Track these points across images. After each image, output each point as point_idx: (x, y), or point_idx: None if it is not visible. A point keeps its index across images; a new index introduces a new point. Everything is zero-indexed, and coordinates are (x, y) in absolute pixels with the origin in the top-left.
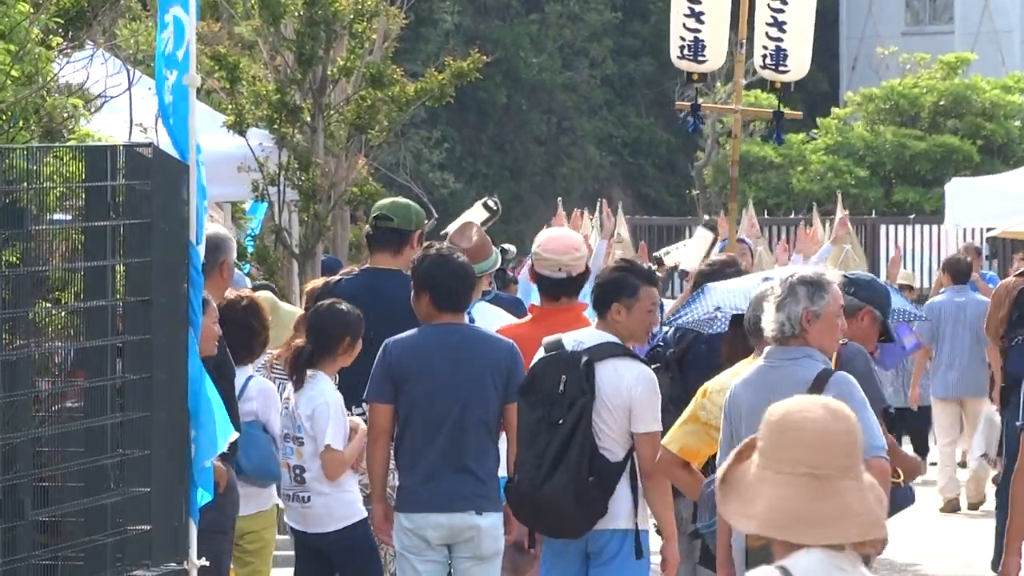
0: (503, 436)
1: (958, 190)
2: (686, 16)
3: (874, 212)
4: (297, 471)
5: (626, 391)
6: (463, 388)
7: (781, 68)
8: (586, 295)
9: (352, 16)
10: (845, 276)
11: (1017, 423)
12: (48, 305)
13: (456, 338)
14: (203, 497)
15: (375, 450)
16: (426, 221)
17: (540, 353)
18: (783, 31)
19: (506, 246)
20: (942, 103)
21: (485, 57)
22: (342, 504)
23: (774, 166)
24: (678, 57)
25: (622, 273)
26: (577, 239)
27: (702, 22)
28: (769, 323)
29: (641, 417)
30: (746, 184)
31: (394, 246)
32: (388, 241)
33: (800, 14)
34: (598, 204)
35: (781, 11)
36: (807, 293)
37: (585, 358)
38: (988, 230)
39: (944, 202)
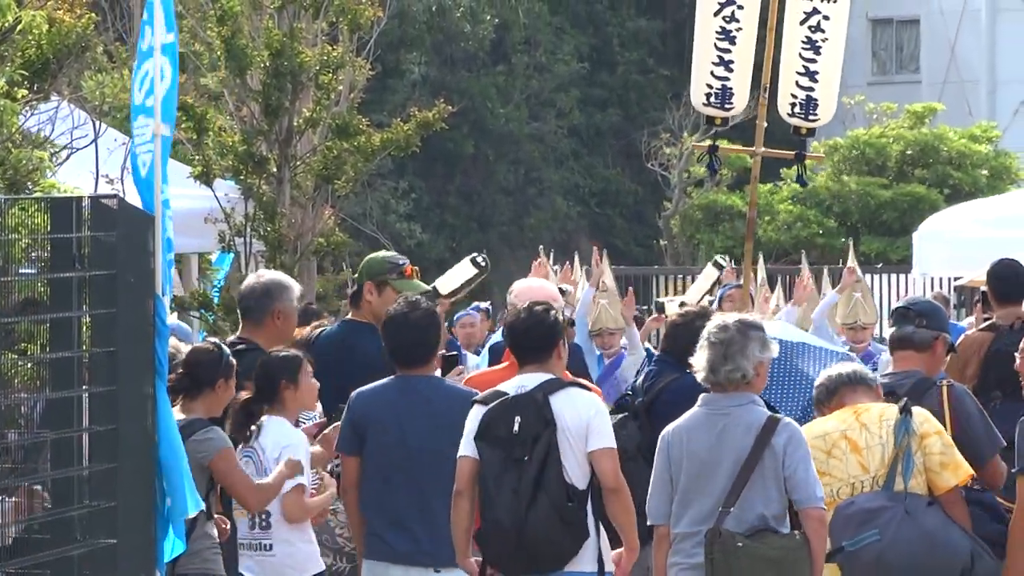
0: None
1: (926, 237)
2: (715, 64)
3: (841, 262)
4: (262, 517)
5: (584, 415)
6: (423, 439)
7: (811, 116)
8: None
9: (318, 67)
10: (910, 308)
11: (1013, 469)
12: (14, 356)
13: (417, 389)
14: (176, 547)
15: (349, 502)
16: (405, 266)
17: (478, 407)
18: (815, 80)
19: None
20: (909, 152)
21: (451, 107)
22: (305, 555)
23: (741, 216)
24: (704, 104)
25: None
26: (552, 290)
27: (731, 70)
28: (728, 368)
29: (598, 435)
30: (713, 233)
31: (353, 301)
32: (352, 296)
33: (831, 63)
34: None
35: (814, 61)
36: (761, 340)
37: (540, 394)
38: (956, 279)
39: (911, 251)
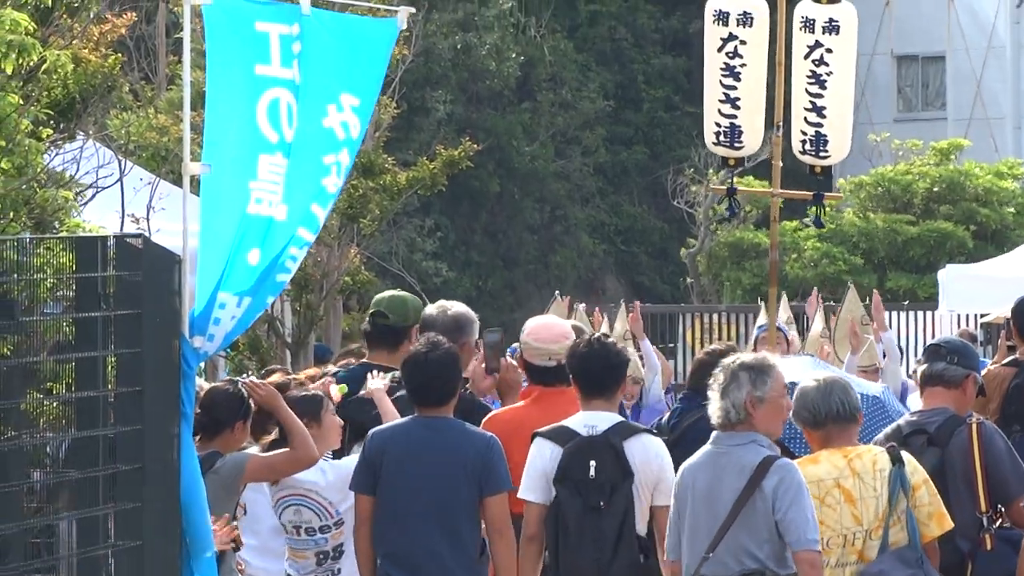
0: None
1: (952, 277)
2: (721, 102)
3: (867, 299)
4: (336, 549)
5: (656, 467)
6: (435, 480)
7: (822, 153)
8: None
9: None
10: (942, 346)
11: (1022, 504)
12: (40, 396)
13: (432, 431)
14: None
15: (359, 538)
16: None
17: (545, 444)
18: (823, 116)
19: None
20: (935, 189)
21: (476, 145)
22: None
23: (768, 253)
24: (714, 143)
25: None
26: (566, 327)
27: (738, 108)
28: (714, 410)
29: (664, 491)
30: (740, 271)
31: (390, 343)
32: (384, 339)
33: (839, 99)
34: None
35: (820, 96)
36: (750, 379)
37: (616, 439)
38: (982, 316)
39: (938, 289)
